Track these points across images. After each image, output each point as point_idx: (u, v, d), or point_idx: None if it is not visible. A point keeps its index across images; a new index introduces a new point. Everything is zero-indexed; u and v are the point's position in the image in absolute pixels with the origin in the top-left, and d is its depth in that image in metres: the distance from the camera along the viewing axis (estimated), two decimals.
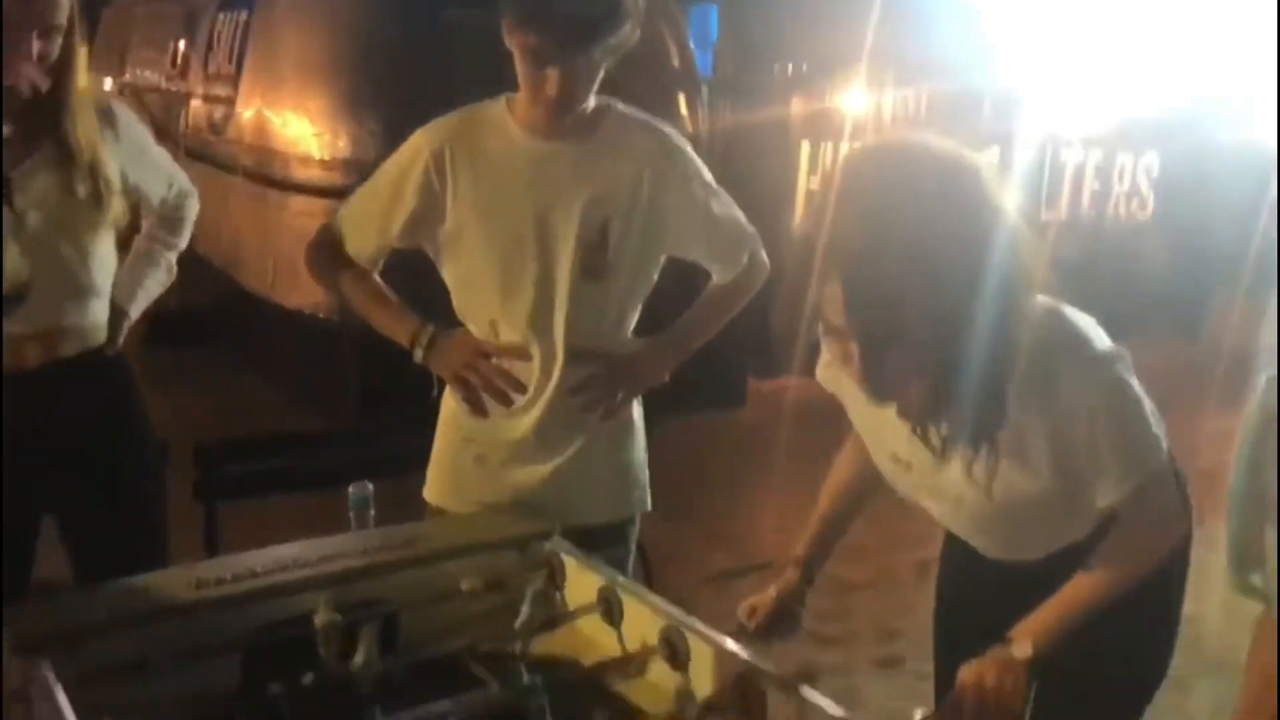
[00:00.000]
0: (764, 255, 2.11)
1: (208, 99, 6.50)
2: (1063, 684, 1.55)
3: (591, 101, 1.92)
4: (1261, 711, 1.39)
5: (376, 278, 2.04)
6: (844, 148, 6.30)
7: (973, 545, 1.71)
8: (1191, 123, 7.20)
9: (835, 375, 1.69)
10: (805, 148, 6.38)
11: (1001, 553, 1.68)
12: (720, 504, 4.70)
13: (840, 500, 1.87)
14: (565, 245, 1.91)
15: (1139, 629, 1.60)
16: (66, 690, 1.33)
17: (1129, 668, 1.66)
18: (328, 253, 2.03)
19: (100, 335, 2.13)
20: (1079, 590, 1.54)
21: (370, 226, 1.98)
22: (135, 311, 2.22)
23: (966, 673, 1.50)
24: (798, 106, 6.38)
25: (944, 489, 1.62)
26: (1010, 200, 1.42)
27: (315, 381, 5.46)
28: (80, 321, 2.09)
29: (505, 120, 1.93)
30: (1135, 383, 1.50)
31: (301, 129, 5.68)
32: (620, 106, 1.99)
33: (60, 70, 1.95)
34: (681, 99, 5.98)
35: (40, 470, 2.06)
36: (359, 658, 1.49)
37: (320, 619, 1.55)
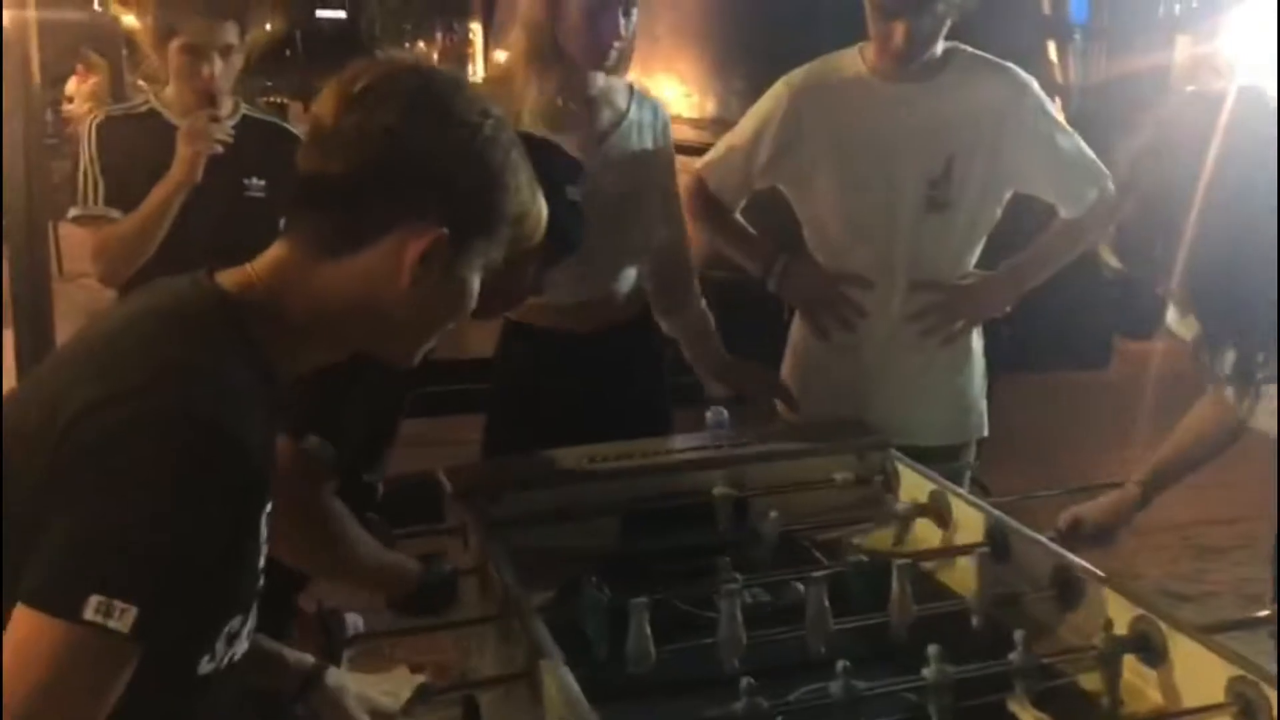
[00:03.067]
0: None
1: None
2: None
3: (940, 46, 2.06)
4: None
5: (737, 216, 2.28)
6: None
7: None
8: None
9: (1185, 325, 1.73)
10: None
11: None
12: (1074, 461, 4.62)
13: (1190, 436, 1.87)
14: (911, 181, 2.07)
15: None
16: (490, 530, 1.69)
17: None
18: (699, 197, 2.28)
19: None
20: None
21: (735, 170, 2.22)
22: None
23: None
24: (1182, 49, 5.99)
25: None
26: None
27: None
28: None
29: (858, 66, 2.11)
30: None
31: (673, 90, 6.07)
32: (966, 49, 2.10)
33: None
34: (1051, 46, 5.81)
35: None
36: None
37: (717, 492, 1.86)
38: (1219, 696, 1.30)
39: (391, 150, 1.01)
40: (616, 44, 1.98)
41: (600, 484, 1.88)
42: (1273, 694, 1.25)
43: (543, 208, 1.17)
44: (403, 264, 1.02)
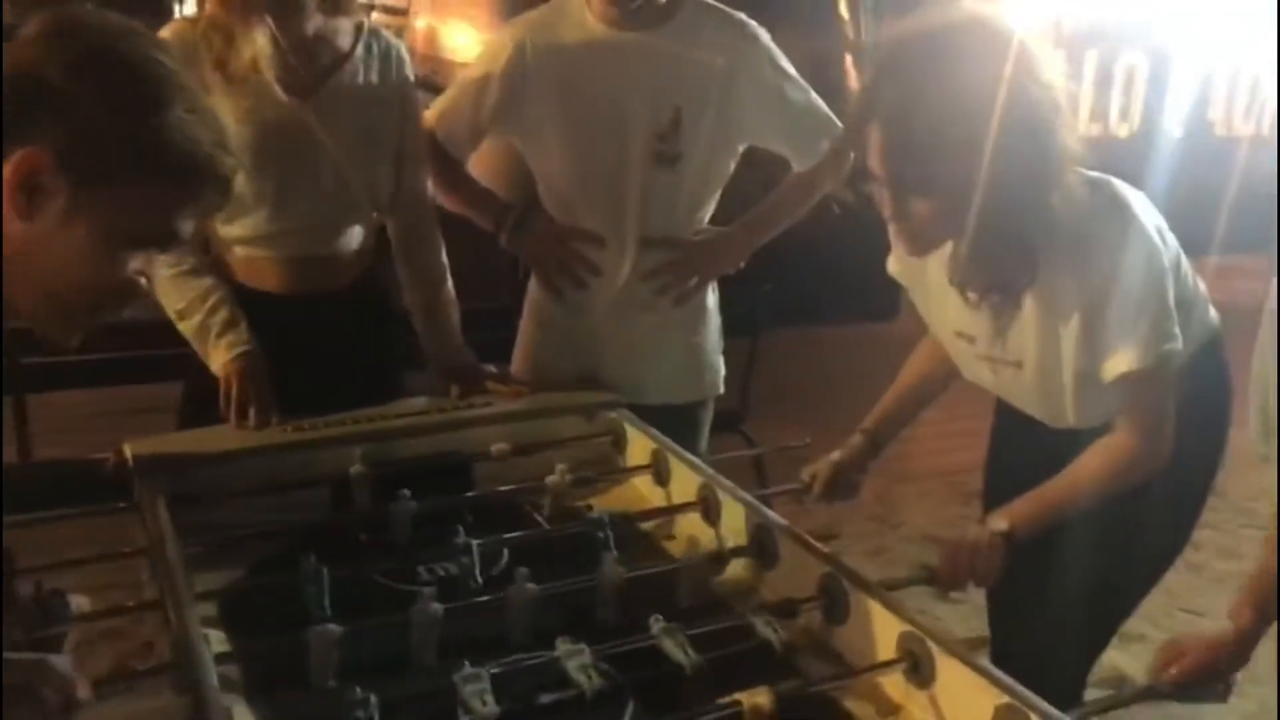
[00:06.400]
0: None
1: (383, 10, 6.83)
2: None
3: None
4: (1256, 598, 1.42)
5: (466, 168, 2.16)
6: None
7: (1027, 413, 1.73)
8: None
9: (905, 267, 1.76)
10: None
11: (1052, 420, 1.68)
12: (853, 413, 4.72)
13: (912, 382, 1.91)
14: (637, 134, 2.00)
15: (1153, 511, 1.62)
16: (171, 508, 1.57)
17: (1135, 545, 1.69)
18: (428, 147, 2.13)
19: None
20: (1064, 481, 1.57)
21: (461, 119, 2.10)
22: None
23: (953, 541, 1.55)
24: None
25: (1000, 358, 1.66)
26: (1059, 82, 1.46)
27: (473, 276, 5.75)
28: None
29: (583, 12, 2.03)
30: (1166, 263, 1.51)
31: (468, 36, 5.89)
32: None
33: None
34: (841, 3, 5.87)
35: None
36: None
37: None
38: (892, 652, 1.31)
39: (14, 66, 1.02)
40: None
41: (304, 454, 1.77)
42: (938, 651, 1.26)
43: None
44: (12, 193, 1.01)
